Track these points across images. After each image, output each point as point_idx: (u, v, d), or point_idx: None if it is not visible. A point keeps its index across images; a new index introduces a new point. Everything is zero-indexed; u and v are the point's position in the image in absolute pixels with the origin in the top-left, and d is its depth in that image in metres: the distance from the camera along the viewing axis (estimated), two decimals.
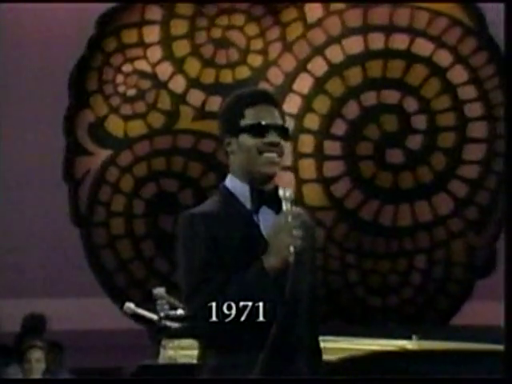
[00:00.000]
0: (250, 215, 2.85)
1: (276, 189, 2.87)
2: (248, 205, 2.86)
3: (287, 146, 2.90)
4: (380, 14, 9.26)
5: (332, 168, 9.27)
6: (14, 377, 6.90)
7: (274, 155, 2.85)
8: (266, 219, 2.85)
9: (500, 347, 4.21)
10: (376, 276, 9.27)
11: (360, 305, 9.18)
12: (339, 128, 9.29)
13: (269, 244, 2.77)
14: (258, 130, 2.85)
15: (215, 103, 9.14)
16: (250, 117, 2.87)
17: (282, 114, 2.90)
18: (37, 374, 6.38)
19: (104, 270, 9.20)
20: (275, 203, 2.84)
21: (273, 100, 2.92)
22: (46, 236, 8.90)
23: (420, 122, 9.30)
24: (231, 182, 2.91)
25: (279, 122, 2.88)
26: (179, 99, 9.25)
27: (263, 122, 2.85)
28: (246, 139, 2.86)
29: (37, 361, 6.39)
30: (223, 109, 2.95)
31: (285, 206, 2.77)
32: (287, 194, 2.78)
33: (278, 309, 2.73)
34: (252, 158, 2.85)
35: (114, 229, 9.24)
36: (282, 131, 2.87)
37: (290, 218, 2.74)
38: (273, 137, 2.85)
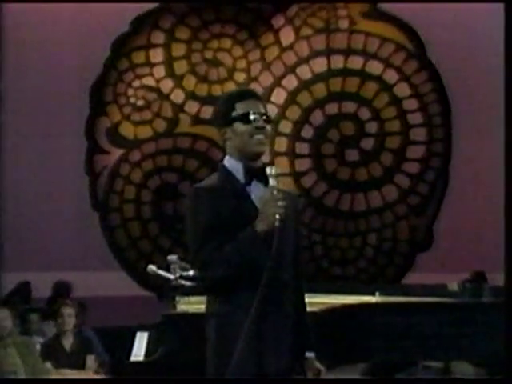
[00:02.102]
0: (243, 187, 2.88)
1: (263, 167, 2.88)
2: (241, 179, 2.88)
3: (270, 130, 2.92)
4: (340, 40, 9.27)
5: (302, 164, 9.29)
6: (49, 332, 6.89)
7: (262, 137, 2.88)
8: (256, 191, 2.87)
9: (444, 300, 4.32)
10: (337, 251, 9.31)
11: (324, 274, 9.19)
12: (307, 132, 9.31)
13: (259, 212, 2.76)
14: (247, 118, 2.87)
15: (208, 112, 9.14)
16: (240, 109, 2.89)
17: (265, 105, 2.94)
18: (69, 327, 6.29)
19: (118, 247, 9.17)
20: (263, 178, 2.85)
21: (256, 95, 2.97)
22: (71, 219, 8.87)
23: (372, 127, 9.32)
24: (228, 162, 2.93)
25: (263, 110, 2.91)
26: (179, 108, 9.21)
27: (251, 111, 2.88)
28: (239, 126, 2.89)
29: (69, 315, 6.29)
30: (218, 106, 2.99)
31: (271, 182, 2.78)
32: (273, 171, 2.79)
33: (268, 262, 2.70)
34: (245, 140, 2.88)
35: (125, 213, 9.20)
36: (266, 118, 2.91)
37: (275, 191, 2.76)
38: (260, 122, 2.88)
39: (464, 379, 3.91)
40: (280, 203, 2.74)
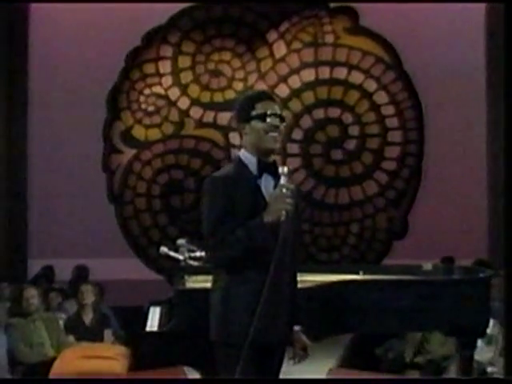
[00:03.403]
0: (255, 179, 2.89)
1: (274, 162, 2.90)
2: (254, 172, 2.89)
3: (283, 129, 2.94)
4: (326, 53, 9.27)
5: (292, 163, 9.25)
6: (70, 309, 6.90)
7: (276, 134, 2.90)
8: (266, 183, 2.89)
9: (420, 278, 4.34)
10: (323, 239, 9.33)
11: (312, 259, 9.22)
12: (297, 134, 9.32)
13: (268, 205, 2.78)
14: (264, 117, 2.88)
15: (210, 116, 9.20)
16: (258, 108, 2.90)
17: (280, 107, 2.95)
18: (88, 301, 6.32)
19: (131, 236, 9.18)
20: (273, 172, 2.87)
21: (273, 97, 2.98)
22: (89, 211, 8.87)
23: (354, 130, 9.33)
24: (243, 155, 2.93)
25: (278, 111, 2.92)
26: (184, 113, 9.23)
27: (268, 111, 2.89)
28: (256, 124, 2.89)
29: (87, 291, 6.31)
30: (238, 105, 2.98)
31: (282, 180, 2.79)
32: (285, 171, 2.80)
33: (271, 247, 2.72)
34: (260, 136, 2.89)
35: (138, 205, 9.21)
36: (281, 118, 2.92)
37: (285, 190, 2.77)
38: (274, 121, 2.89)
39: (464, 379, 3.90)
40: (288, 200, 2.75)
